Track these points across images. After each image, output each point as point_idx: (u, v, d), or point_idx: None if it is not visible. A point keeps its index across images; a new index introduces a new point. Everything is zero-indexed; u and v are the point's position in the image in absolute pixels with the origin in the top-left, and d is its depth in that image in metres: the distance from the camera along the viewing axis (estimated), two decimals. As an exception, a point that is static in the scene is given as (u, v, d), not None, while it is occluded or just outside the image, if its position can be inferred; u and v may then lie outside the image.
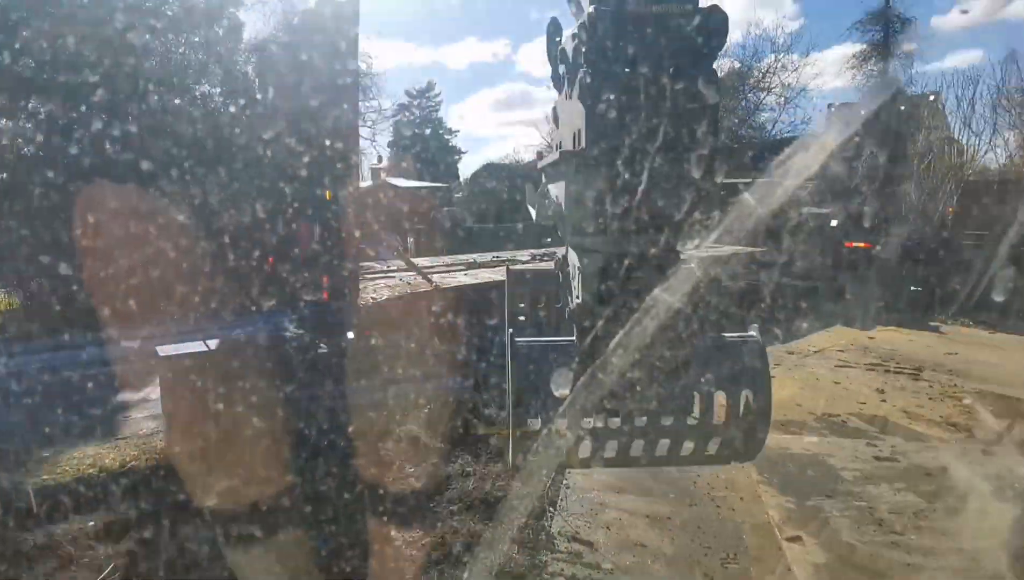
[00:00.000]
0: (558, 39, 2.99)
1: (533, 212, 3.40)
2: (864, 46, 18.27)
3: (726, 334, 3.05)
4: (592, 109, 2.63)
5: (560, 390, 2.91)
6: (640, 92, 2.56)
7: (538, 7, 55.02)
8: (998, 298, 7.53)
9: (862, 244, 10.68)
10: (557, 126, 3.36)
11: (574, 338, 3.20)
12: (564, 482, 4.11)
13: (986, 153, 17.03)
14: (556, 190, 3.09)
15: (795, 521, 3.23)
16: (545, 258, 10.85)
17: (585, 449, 2.85)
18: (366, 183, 21.23)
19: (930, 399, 5.50)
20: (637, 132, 2.58)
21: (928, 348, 7.68)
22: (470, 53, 57.46)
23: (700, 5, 2.49)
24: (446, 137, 42.29)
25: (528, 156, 28.39)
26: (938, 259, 10.28)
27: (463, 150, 43.39)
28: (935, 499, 3.15)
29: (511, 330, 3.74)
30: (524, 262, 10.89)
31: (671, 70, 2.53)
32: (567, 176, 2.80)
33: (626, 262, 2.84)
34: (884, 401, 5.54)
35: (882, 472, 3.51)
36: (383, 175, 21.80)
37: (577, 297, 3.16)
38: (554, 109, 3.34)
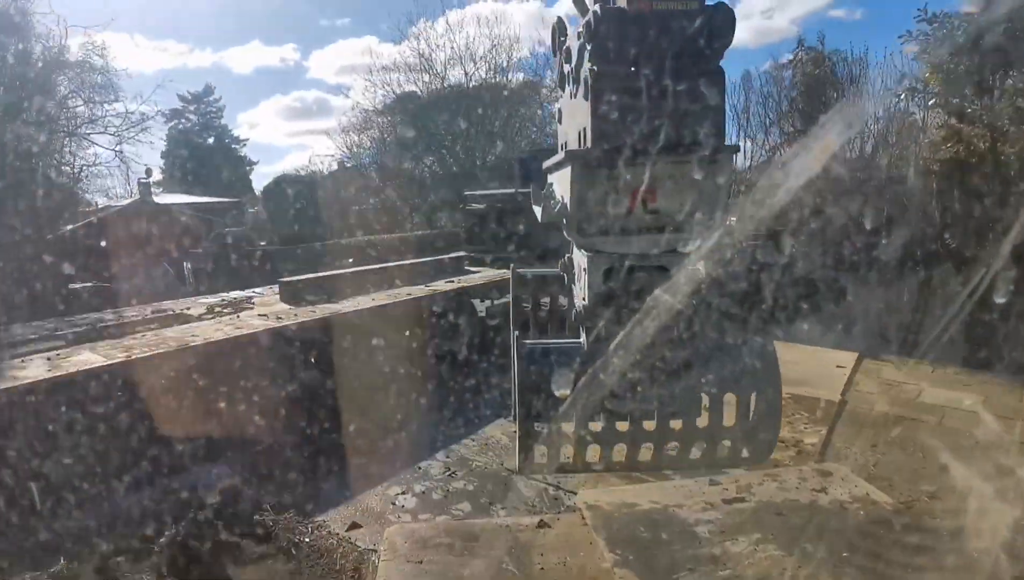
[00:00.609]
0: (563, 38, 2.98)
1: (538, 212, 3.38)
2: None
3: (732, 335, 3.04)
4: (597, 107, 2.63)
5: (562, 390, 2.93)
6: (645, 91, 2.56)
7: (327, 15, 51.98)
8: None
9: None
10: (561, 124, 3.34)
11: (580, 340, 3.20)
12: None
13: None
14: (561, 190, 3.06)
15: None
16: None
17: (593, 453, 2.84)
18: (125, 201, 17.53)
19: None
20: (642, 131, 2.57)
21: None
22: (256, 57, 53.85)
23: (706, 3, 2.47)
24: (233, 146, 37.03)
25: (330, 166, 26.49)
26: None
27: (254, 160, 38.12)
28: (793, 548, 2.97)
29: (517, 332, 3.76)
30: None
31: (675, 69, 2.52)
32: (572, 175, 2.78)
33: (633, 263, 2.85)
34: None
35: (735, 519, 3.27)
36: (153, 191, 18.01)
37: (583, 298, 3.15)
38: (559, 109, 3.33)
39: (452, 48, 23.36)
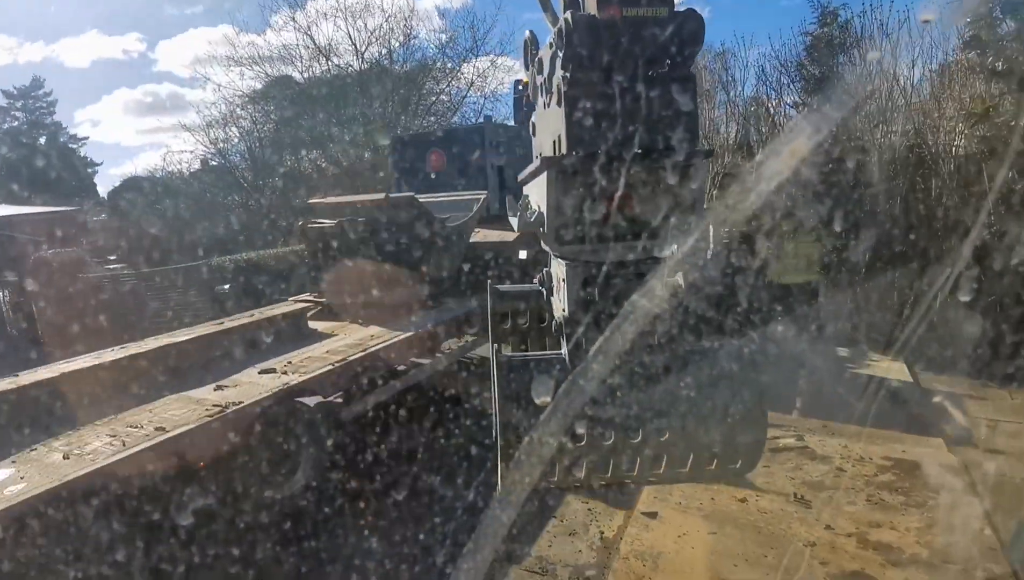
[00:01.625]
0: (535, 50, 3.03)
1: (514, 222, 3.40)
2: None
3: (714, 340, 3.07)
4: (571, 113, 2.67)
5: (542, 398, 2.92)
6: (618, 97, 2.60)
7: (175, 3, 47.15)
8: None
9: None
10: (536, 137, 3.41)
11: (561, 352, 3.21)
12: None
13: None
14: (537, 199, 3.10)
15: None
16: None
17: (578, 466, 2.83)
18: None
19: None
20: (616, 137, 2.61)
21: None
22: (94, 49, 49.40)
23: (675, 10, 2.53)
24: (71, 146, 33.07)
25: (191, 165, 23.35)
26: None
27: (98, 162, 34.47)
28: None
29: (495, 345, 3.77)
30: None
31: (647, 75, 2.58)
32: (548, 183, 2.82)
33: (610, 270, 2.87)
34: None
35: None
36: None
37: (563, 309, 3.17)
38: (532, 123, 3.39)
39: (335, 24, 21.00)
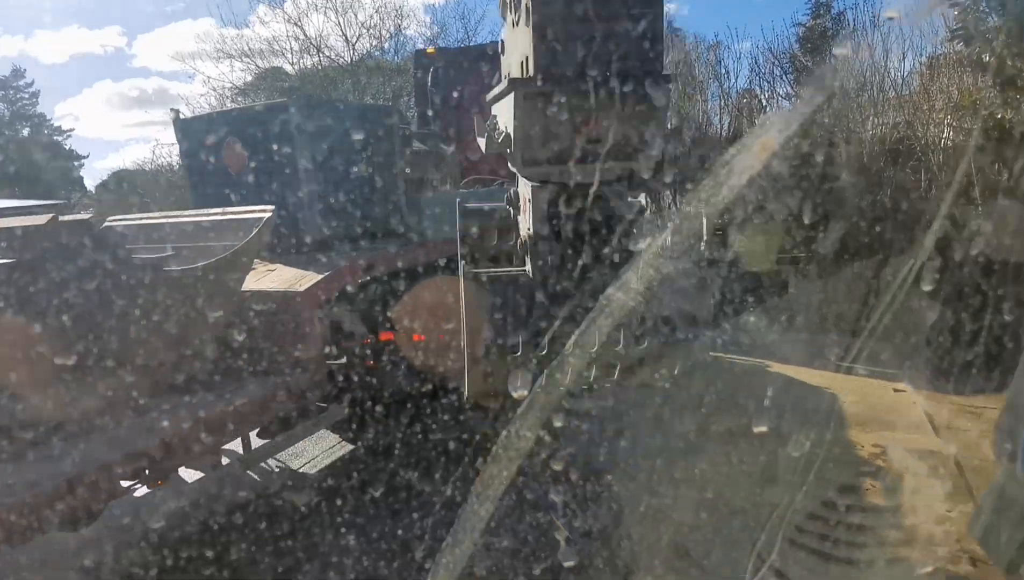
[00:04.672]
0: None
1: (482, 143, 3.36)
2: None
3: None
4: (539, 35, 2.65)
5: (518, 392, 2.93)
6: (585, 19, 2.59)
7: (154, 1, 46.89)
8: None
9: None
10: (504, 55, 3.39)
11: (526, 268, 3.20)
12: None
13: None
14: (505, 120, 3.05)
15: None
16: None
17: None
18: None
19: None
20: (584, 59, 2.59)
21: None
22: (72, 44, 49.29)
23: None
24: (56, 139, 32.04)
25: (176, 160, 21.59)
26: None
27: (83, 155, 32.66)
28: None
29: (463, 262, 3.72)
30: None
31: None
32: (515, 104, 2.79)
33: (575, 191, 2.86)
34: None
35: None
36: None
37: (528, 228, 3.11)
38: (501, 41, 3.40)
39: (325, 16, 20.37)
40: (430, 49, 8.17)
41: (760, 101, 14.41)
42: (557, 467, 2.96)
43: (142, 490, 3.81)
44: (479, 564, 3.40)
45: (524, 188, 3.16)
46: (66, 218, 3.77)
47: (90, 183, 29.14)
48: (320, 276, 4.72)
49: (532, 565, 3.56)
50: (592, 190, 2.80)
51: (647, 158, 2.70)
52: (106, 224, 4.99)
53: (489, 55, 7.29)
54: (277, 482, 4.88)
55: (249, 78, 21.45)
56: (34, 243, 3.50)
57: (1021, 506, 1.95)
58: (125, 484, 3.64)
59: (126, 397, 3.79)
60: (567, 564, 3.42)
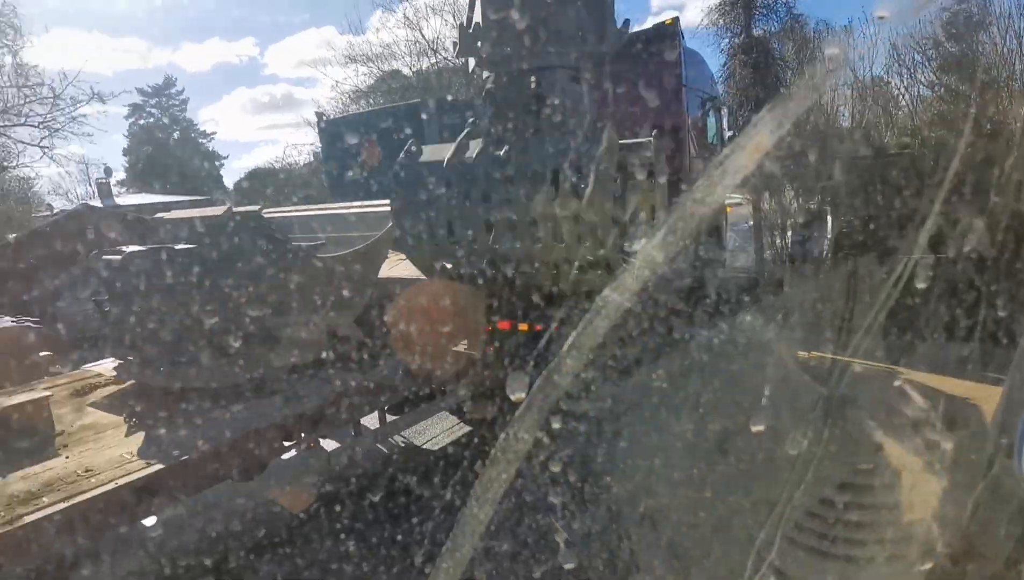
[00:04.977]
0: None
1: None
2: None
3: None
4: None
5: (516, 394, 2.93)
6: None
7: (284, 12, 55.06)
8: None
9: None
10: None
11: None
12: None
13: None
14: (477, 16, 4.36)
15: None
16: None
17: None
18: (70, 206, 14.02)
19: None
20: None
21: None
22: (215, 54, 56.41)
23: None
24: (201, 141, 35.90)
25: (303, 158, 25.25)
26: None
27: (223, 156, 36.20)
28: None
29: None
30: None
31: None
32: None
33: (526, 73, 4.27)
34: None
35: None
36: (116, 191, 14.92)
37: (489, 84, 4.43)
38: None
39: (442, 19, 21.43)
40: None
41: (897, 90, 13.26)
42: (555, 469, 2.96)
43: (296, 450, 4.35)
44: (479, 568, 3.40)
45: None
46: (238, 209, 4.45)
47: (227, 181, 32.42)
48: (449, 266, 5.14)
49: (532, 568, 3.55)
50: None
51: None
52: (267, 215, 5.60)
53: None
54: (404, 455, 5.28)
55: (371, 81, 22.89)
56: (212, 230, 4.26)
57: (1018, 501, 1.96)
58: (287, 443, 4.12)
59: (284, 367, 4.35)
60: (567, 566, 3.41)
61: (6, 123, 13.76)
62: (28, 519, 2.85)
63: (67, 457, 3.59)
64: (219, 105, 60.33)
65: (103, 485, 3.15)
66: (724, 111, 8.63)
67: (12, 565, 2.74)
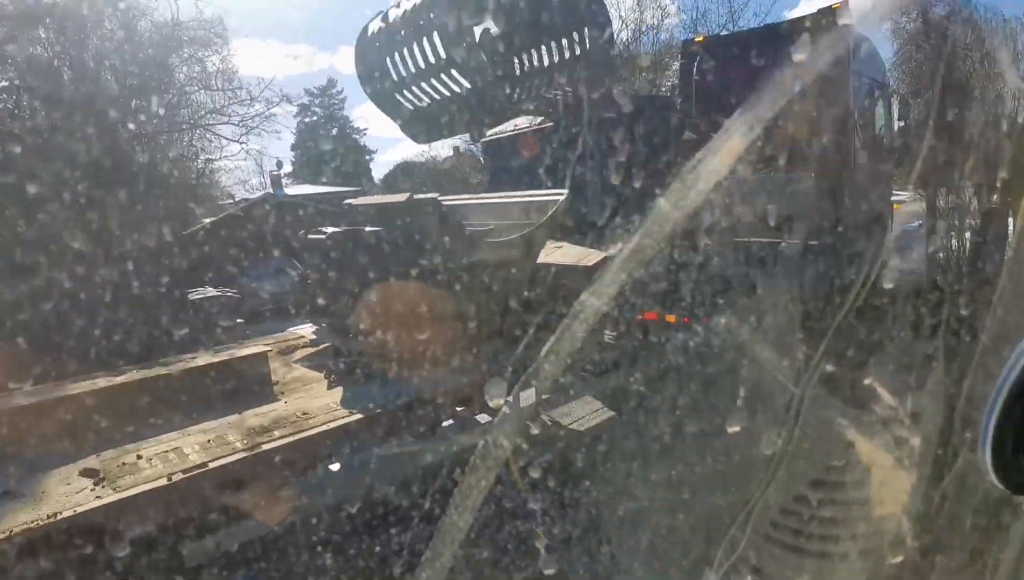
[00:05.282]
0: None
1: None
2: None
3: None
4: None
5: (495, 401, 2.93)
6: None
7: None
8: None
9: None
10: None
11: None
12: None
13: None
14: None
15: None
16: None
17: None
18: (254, 195, 16.81)
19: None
20: None
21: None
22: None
23: None
24: (354, 136, 39.88)
25: (444, 152, 27.07)
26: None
27: (373, 149, 40.91)
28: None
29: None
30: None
31: None
32: None
33: None
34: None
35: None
36: (285, 182, 17.70)
37: None
38: None
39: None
40: (698, 37, 7.58)
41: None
42: (535, 474, 2.96)
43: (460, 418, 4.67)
44: (459, 576, 3.36)
45: None
46: (418, 196, 4.94)
47: (375, 174, 35.56)
48: (603, 254, 5.25)
49: (512, 574, 3.54)
50: None
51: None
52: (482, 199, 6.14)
53: (760, 39, 6.88)
54: (551, 434, 5.30)
55: None
56: (396, 214, 4.82)
57: (982, 494, 2.02)
58: (458, 409, 4.57)
59: (456, 339, 4.60)
60: (547, 572, 3.40)
61: (213, 121, 16.47)
62: (265, 447, 3.57)
63: (285, 402, 4.36)
64: (370, 104, 62.99)
65: (321, 425, 3.86)
66: (895, 100, 7.87)
67: (251, 483, 3.44)
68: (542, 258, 5.43)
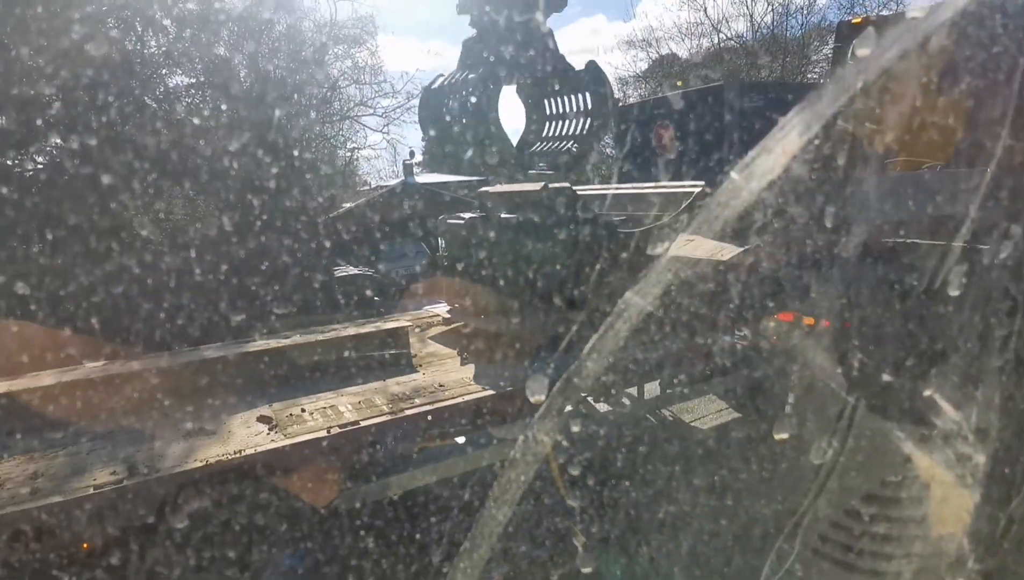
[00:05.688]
0: None
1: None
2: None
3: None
4: None
5: (536, 397, 2.92)
6: None
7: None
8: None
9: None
10: None
11: None
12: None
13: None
14: None
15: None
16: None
17: None
18: (390, 182, 18.02)
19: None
20: None
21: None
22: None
23: None
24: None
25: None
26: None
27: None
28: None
29: None
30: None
31: None
32: None
33: None
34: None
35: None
36: (416, 171, 18.34)
37: None
38: None
39: None
40: (856, 19, 7.22)
41: None
42: (575, 472, 2.95)
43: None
44: (496, 570, 3.40)
45: None
46: (553, 185, 5.08)
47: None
48: (739, 249, 5.10)
49: (549, 571, 3.54)
50: None
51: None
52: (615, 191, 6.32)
53: (929, 24, 6.61)
54: (671, 429, 5.61)
55: (644, 66, 23.75)
56: (531, 203, 4.99)
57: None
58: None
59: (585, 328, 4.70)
60: (585, 570, 3.40)
61: (360, 112, 17.84)
62: (408, 412, 4.00)
63: (423, 373, 4.82)
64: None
65: (457, 397, 4.24)
66: None
67: (393, 446, 3.89)
68: (674, 251, 5.22)
